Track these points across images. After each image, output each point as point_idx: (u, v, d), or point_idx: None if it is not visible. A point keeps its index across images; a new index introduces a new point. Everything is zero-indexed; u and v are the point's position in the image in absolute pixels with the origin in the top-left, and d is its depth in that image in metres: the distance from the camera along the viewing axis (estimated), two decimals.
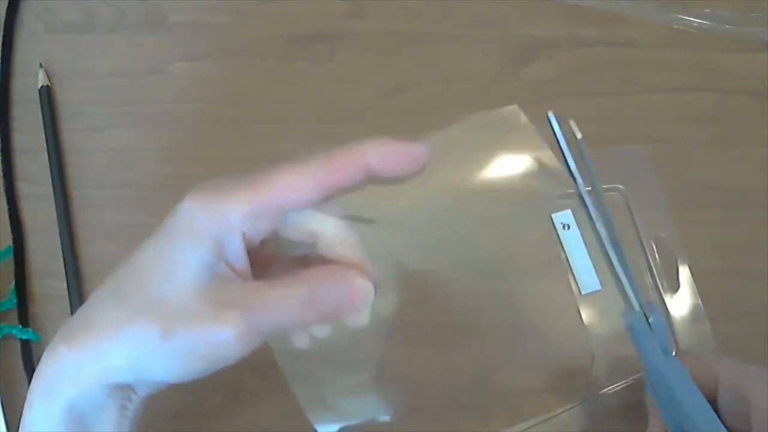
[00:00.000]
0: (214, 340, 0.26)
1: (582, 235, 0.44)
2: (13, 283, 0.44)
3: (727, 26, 0.48)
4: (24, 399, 0.42)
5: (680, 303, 0.43)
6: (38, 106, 0.47)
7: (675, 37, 0.48)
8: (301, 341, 0.31)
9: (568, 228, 0.44)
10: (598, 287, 0.44)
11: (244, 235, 0.27)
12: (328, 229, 0.29)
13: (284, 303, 0.27)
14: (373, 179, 0.28)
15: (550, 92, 0.47)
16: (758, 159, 0.46)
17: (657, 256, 0.44)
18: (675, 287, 0.44)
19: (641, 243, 0.44)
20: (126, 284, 0.27)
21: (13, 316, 0.43)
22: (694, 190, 0.45)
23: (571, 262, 0.44)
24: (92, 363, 0.27)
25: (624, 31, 0.48)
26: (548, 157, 0.36)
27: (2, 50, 0.48)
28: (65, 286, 0.44)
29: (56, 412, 0.27)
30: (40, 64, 0.47)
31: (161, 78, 0.48)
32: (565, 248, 0.44)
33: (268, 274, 0.30)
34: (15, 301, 0.43)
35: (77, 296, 0.43)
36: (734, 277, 0.44)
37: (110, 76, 0.48)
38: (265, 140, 0.46)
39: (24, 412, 0.29)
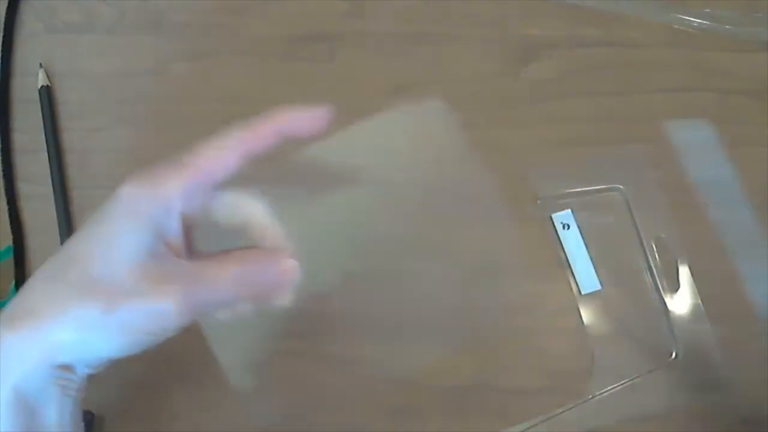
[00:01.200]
0: (154, 313, 0.27)
1: (582, 234, 0.44)
2: (13, 283, 0.44)
3: (727, 26, 0.48)
4: None
5: (680, 303, 0.43)
6: (38, 106, 0.47)
7: (675, 37, 0.48)
8: (223, 315, 0.32)
9: (568, 228, 0.44)
10: (598, 287, 0.44)
11: (180, 214, 0.29)
12: (257, 214, 0.31)
13: (218, 280, 0.29)
14: (286, 140, 0.31)
15: (550, 92, 0.47)
16: (758, 159, 0.46)
17: (657, 257, 0.44)
18: (675, 287, 0.44)
19: (641, 243, 0.44)
20: (67, 266, 0.28)
21: None
22: (695, 190, 0.45)
23: (570, 262, 0.44)
24: (36, 344, 0.27)
25: (624, 31, 0.48)
26: (459, 144, 0.40)
27: (2, 50, 0.48)
28: None
29: (1, 397, 0.27)
30: (40, 64, 0.47)
31: (161, 78, 0.48)
32: (565, 248, 0.44)
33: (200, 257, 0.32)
34: None
35: None
36: (734, 276, 0.43)
37: (110, 76, 0.48)
38: None
39: None
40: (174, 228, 0.29)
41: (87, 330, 0.27)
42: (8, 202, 0.45)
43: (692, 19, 0.48)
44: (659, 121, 0.47)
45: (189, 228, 0.30)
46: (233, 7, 0.49)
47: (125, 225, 0.28)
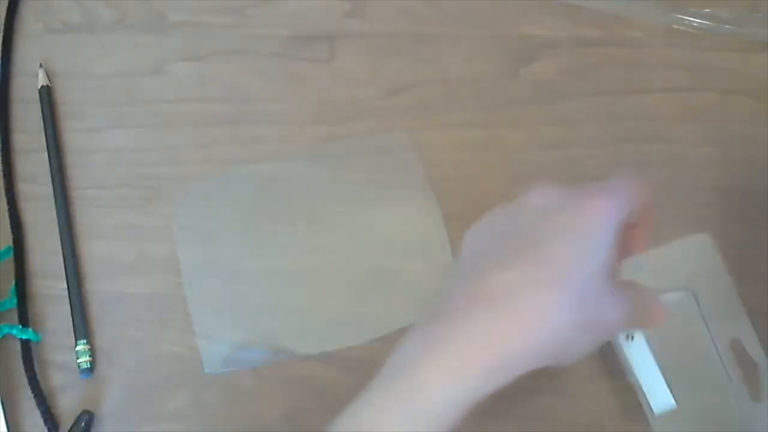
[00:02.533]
0: (610, 319, 0.31)
1: (648, 344, 0.39)
2: (13, 283, 0.44)
3: (727, 26, 0.48)
4: (24, 399, 0.42)
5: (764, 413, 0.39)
6: (38, 106, 0.47)
7: (675, 37, 0.48)
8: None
9: (632, 339, 0.39)
10: (673, 404, 0.38)
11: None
12: None
13: (629, 310, 0.32)
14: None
15: (550, 92, 0.47)
16: (758, 159, 0.46)
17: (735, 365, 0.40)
18: (758, 397, 0.40)
19: (717, 351, 0.40)
20: (545, 273, 0.30)
21: (13, 316, 0.43)
22: (694, 190, 0.45)
23: (639, 379, 0.39)
24: (540, 350, 0.30)
25: (624, 31, 0.48)
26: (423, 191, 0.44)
27: (2, 50, 0.48)
28: (65, 286, 0.44)
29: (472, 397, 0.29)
30: (40, 64, 0.47)
31: (161, 78, 0.48)
32: (632, 363, 0.39)
33: None
34: (15, 301, 0.43)
35: (77, 296, 0.43)
36: (734, 277, 0.43)
37: (110, 76, 0.48)
38: (265, 140, 0.46)
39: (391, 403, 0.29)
40: (616, 244, 0.32)
41: (566, 337, 0.30)
42: (8, 202, 0.45)
43: (692, 19, 0.48)
44: (659, 121, 0.47)
45: None
46: (233, 7, 0.49)
47: (595, 240, 0.31)
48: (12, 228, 0.45)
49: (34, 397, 0.41)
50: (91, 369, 0.42)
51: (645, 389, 0.38)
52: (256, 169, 0.46)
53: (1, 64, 0.48)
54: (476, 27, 0.48)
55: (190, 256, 0.44)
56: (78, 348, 0.42)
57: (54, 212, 0.45)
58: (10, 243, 0.44)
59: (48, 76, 0.47)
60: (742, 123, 0.46)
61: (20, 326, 0.43)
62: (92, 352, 0.42)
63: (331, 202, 0.45)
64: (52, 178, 0.45)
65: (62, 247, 0.44)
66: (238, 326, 0.43)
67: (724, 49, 0.47)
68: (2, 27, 0.48)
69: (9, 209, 0.45)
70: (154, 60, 0.48)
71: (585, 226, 0.31)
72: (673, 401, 0.38)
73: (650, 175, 0.45)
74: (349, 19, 0.48)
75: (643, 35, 0.48)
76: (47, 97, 0.47)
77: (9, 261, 0.44)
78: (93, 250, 0.45)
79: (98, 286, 0.44)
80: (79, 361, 0.42)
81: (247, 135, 0.46)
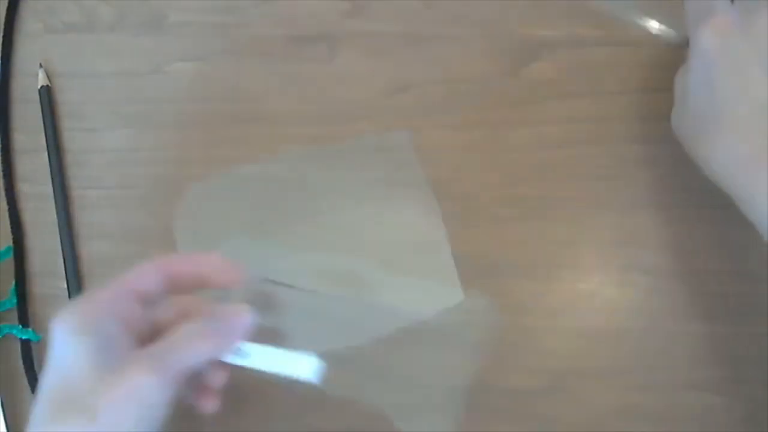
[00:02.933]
0: (137, 396, 0.30)
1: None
2: (13, 283, 0.44)
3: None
4: (24, 399, 0.42)
5: None
6: (38, 106, 0.47)
7: (675, 37, 0.48)
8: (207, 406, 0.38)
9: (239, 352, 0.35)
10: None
11: (115, 318, 0.32)
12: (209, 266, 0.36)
13: (177, 341, 0.32)
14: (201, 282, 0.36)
15: (550, 92, 0.47)
16: None
17: None
18: None
19: None
20: (43, 411, 0.31)
21: (13, 316, 0.43)
22: (694, 190, 0.45)
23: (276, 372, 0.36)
24: None
25: (624, 31, 0.48)
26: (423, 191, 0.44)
27: (2, 50, 0.48)
28: (65, 286, 0.44)
29: None
30: (40, 64, 0.47)
31: (161, 78, 0.48)
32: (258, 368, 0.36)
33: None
34: (15, 301, 0.43)
35: (77, 296, 0.43)
36: (734, 277, 0.43)
37: (110, 76, 0.48)
38: (265, 140, 0.46)
39: None
40: (116, 331, 0.32)
41: None
42: (8, 202, 0.45)
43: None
44: (659, 121, 0.47)
45: (135, 320, 0.33)
46: (233, 7, 0.49)
47: (65, 348, 0.31)
48: (12, 228, 0.45)
49: (34, 397, 0.41)
50: None
51: (290, 376, 0.35)
52: (256, 169, 0.46)
53: (1, 64, 0.48)
54: (476, 27, 0.48)
55: None
56: None
57: (54, 212, 0.45)
58: (10, 243, 0.44)
59: (48, 76, 0.47)
60: None
61: (20, 326, 0.43)
62: None
63: (331, 202, 0.45)
64: (52, 178, 0.45)
65: (62, 247, 0.44)
66: None
67: None
68: (2, 27, 0.48)
69: (9, 209, 0.45)
70: (154, 60, 0.48)
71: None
72: (315, 358, 0.35)
73: (649, 175, 0.45)
74: (349, 19, 0.48)
75: (642, 35, 0.48)
76: (47, 97, 0.47)
77: (9, 261, 0.44)
78: (93, 250, 0.45)
79: (98, 286, 0.44)
80: None
81: (247, 135, 0.46)
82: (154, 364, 0.30)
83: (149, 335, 0.33)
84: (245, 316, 0.34)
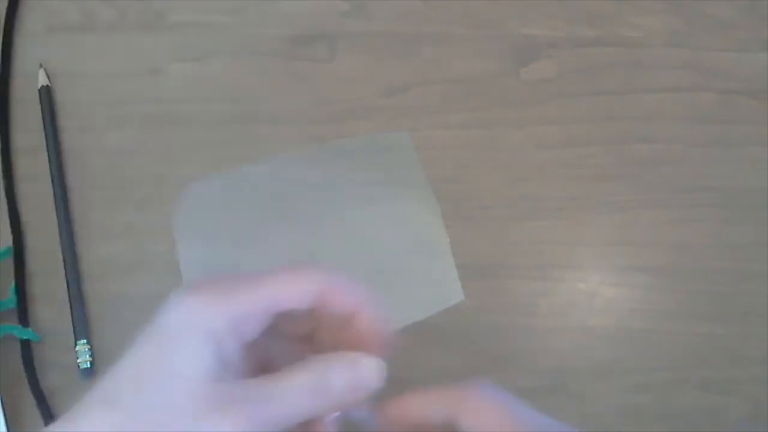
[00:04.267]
0: None
1: None
2: (13, 283, 0.44)
3: (727, 26, 0.48)
4: (24, 399, 0.42)
5: None
6: (38, 106, 0.47)
7: (675, 37, 0.48)
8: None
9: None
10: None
11: (241, 335, 0.27)
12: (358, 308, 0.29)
13: (287, 394, 0.26)
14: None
15: (550, 92, 0.47)
16: (758, 159, 0.46)
17: None
18: None
19: None
20: (120, 389, 0.26)
21: (13, 316, 0.43)
22: (694, 190, 0.45)
23: None
24: None
25: (624, 31, 0.48)
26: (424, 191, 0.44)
27: (2, 50, 0.48)
28: (65, 286, 0.44)
29: None
30: (40, 64, 0.47)
31: (161, 78, 0.48)
32: None
33: (270, 361, 0.30)
34: (15, 301, 0.43)
35: (77, 296, 0.43)
36: (733, 277, 0.44)
37: (110, 76, 0.48)
38: (265, 140, 0.46)
39: None
40: (235, 349, 0.27)
41: None
42: (8, 202, 0.45)
43: (692, 19, 0.48)
44: (659, 121, 0.47)
45: (254, 345, 0.28)
46: (233, 7, 0.49)
47: (181, 344, 0.26)
48: (12, 228, 0.45)
49: (34, 396, 0.41)
50: (91, 369, 0.42)
51: None
52: (256, 169, 0.46)
53: (1, 64, 0.47)
54: (476, 27, 0.48)
55: (190, 256, 0.44)
56: (78, 348, 0.42)
57: (54, 212, 0.45)
58: (10, 243, 0.44)
59: (48, 76, 0.47)
60: (742, 123, 0.46)
61: (20, 326, 0.43)
62: (92, 352, 0.42)
63: (332, 201, 0.45)
64: (52, 178, 0.45)
65: (62, 247, 0.44)
66: None
67: (724, 49, 0.48)
68: (2, 27, 0.48)
69: (9, 209, 0.45)
70: (154, 60, 0.48)
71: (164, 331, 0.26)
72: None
73: (649, 175, 0.45)
74: (349, 19, 0.48)
75: (642, 35, 0.48)
76: (47, 97, 0.47)
77: (9, 261, 0.44)
78: (93, 250, 0.45)
79: (98, 286, 0.44)
80: (79, 361, 0.42)
81: (247, 135, 0.46)
82: (256, 416, 0.26)
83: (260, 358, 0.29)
84: (371, 370, 0.28)
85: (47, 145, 0.46)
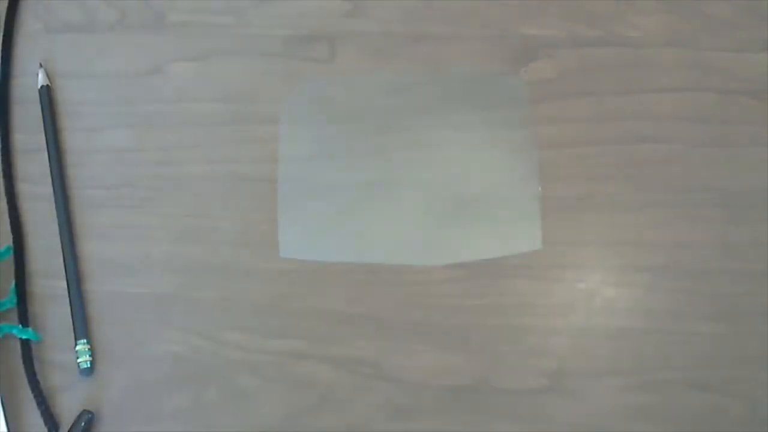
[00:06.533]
0: None
1: None
2: (13, 283, 0.44)
3: (727, 26, 0.48)
4: (24, 399, 0.42)
5: None
6: (38, 106, 0.47)
7: (675, 37, 0.48)
8: None
9: None
10: None
11: None
12: None
13: None
14: None
15: (550, 92, 0.47)
16: (758, 159, 0.46)
17: None
18: None
19: None
20: None
21: (13, 316, 0.43)
22: (694, 190, 0.45)
23: None
24: None
25: (624, 31, 0.48)
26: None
27: (2, 50, 0.48)
28: (65, 286, 0.44)
29: None
30: (40, 64, 0.47)
31: (161, 78, 0.48)
32: None
33: None
34: (15, 301, 0.43)
35: (77, 296, 0.43)
36: (733, 276, 0.43)
37: (110, 76, 0.48)
38: (265, 140, 0.46)
39: None
40: None
41: None
42: (8, 202, 0.45)
43: (692, 18, 0.48)
44: (659, 121, 0.47)
45: None
46: (233, 7, 0.49)
47: None
48: (12, 228, 0.45)
49: (34, 397, 0.41)
50: (91, 369, 0.42)
51: None
52: (358, 82, 0.47)
53: (1, 64, 0.47)
54: (476, 27, 0.48)
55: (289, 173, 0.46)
56: (78, 348, 0.42)
57: (54, 212, 0.45)
58: (10, 243, 0.44)
59: (48, 76, 0.47)
60: (742, 123, 0.46)
61: (20, 326, 0.43)
62: (92, 352, 0.42)
63: (430, 127, 0.46)
64: (52, 178, 0.45)
65: (62, 247, 0.44)
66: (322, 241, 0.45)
67: (724, 49, 0.47)
68: (2, 27, 0.48)
69: (9, 209, 0.45)
70: (154, 60, 0.48)
71: None
72: None
73: (650, 175, 0.45)
74: (349, 19, 0.48)
75: (643, 35, 0.48)
76: (47, 97, 0.47)
77: (9, 261, 0.44)
78: (93, 250, 0.45)
79: (98, 286, 0.44)
80: (79, 361, 0.42)
81: (247, 135, 0.46)
82: None
83: None
84: None
85: (47, 145, 0.46)
